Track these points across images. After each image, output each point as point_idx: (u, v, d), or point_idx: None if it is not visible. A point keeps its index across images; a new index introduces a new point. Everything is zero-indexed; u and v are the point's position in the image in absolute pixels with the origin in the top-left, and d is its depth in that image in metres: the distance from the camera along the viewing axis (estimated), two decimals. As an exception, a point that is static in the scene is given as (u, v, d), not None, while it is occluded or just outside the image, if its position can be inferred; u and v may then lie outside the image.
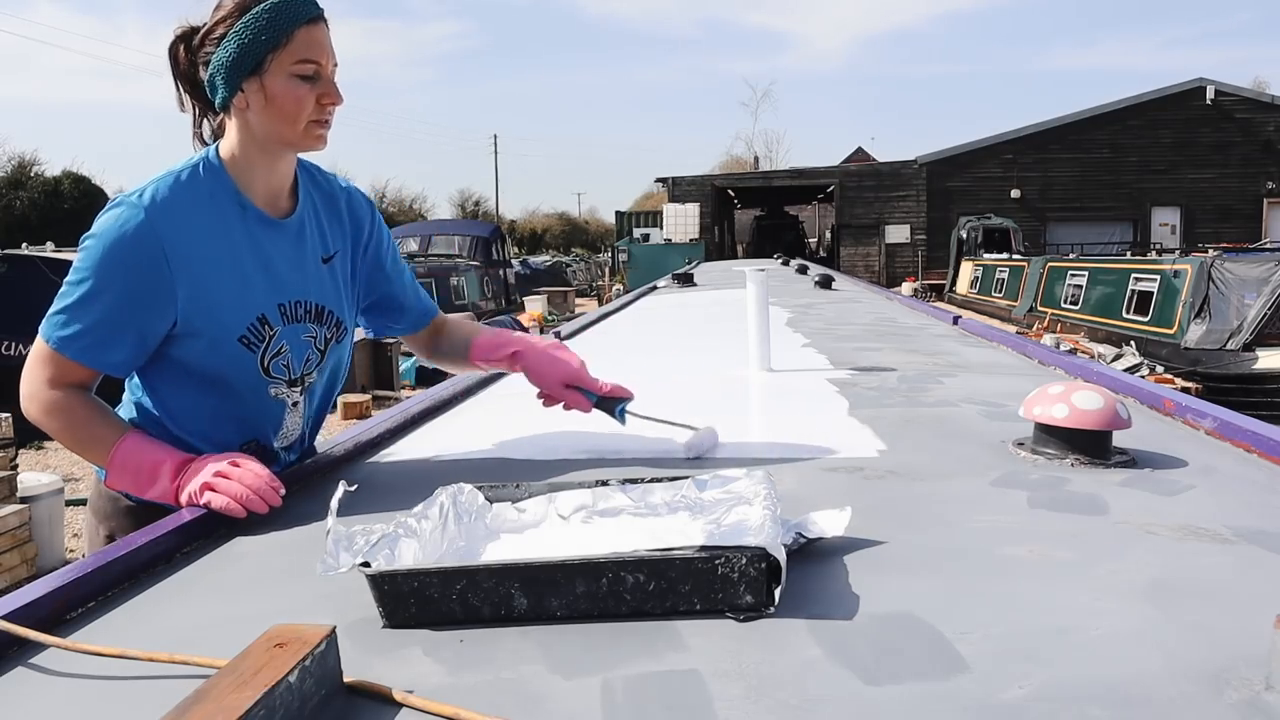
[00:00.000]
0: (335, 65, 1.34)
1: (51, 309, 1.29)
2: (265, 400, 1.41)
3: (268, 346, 1.38)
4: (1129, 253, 19.87)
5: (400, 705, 0.68)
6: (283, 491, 1.21)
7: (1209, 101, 26.10)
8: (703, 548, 0.81)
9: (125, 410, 1.44)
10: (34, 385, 1.31)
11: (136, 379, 1.41)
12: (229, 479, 1.18)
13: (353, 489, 0.97)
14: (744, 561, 0.80)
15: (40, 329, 1.29)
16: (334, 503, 0.90)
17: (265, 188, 1.39)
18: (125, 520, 1.43)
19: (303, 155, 1.45)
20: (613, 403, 1.45)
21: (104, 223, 1.28)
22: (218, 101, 1.33)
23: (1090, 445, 1.30)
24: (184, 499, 1.21)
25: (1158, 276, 10.63)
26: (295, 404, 1.46)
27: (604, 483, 1.09)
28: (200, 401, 1.38)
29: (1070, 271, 13.85)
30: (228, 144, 1.37)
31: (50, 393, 1.30)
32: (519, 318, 15.95)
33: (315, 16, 1.31)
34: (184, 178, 1.33)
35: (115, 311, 1.27)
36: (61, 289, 1.29)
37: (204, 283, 1.32)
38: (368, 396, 8.77)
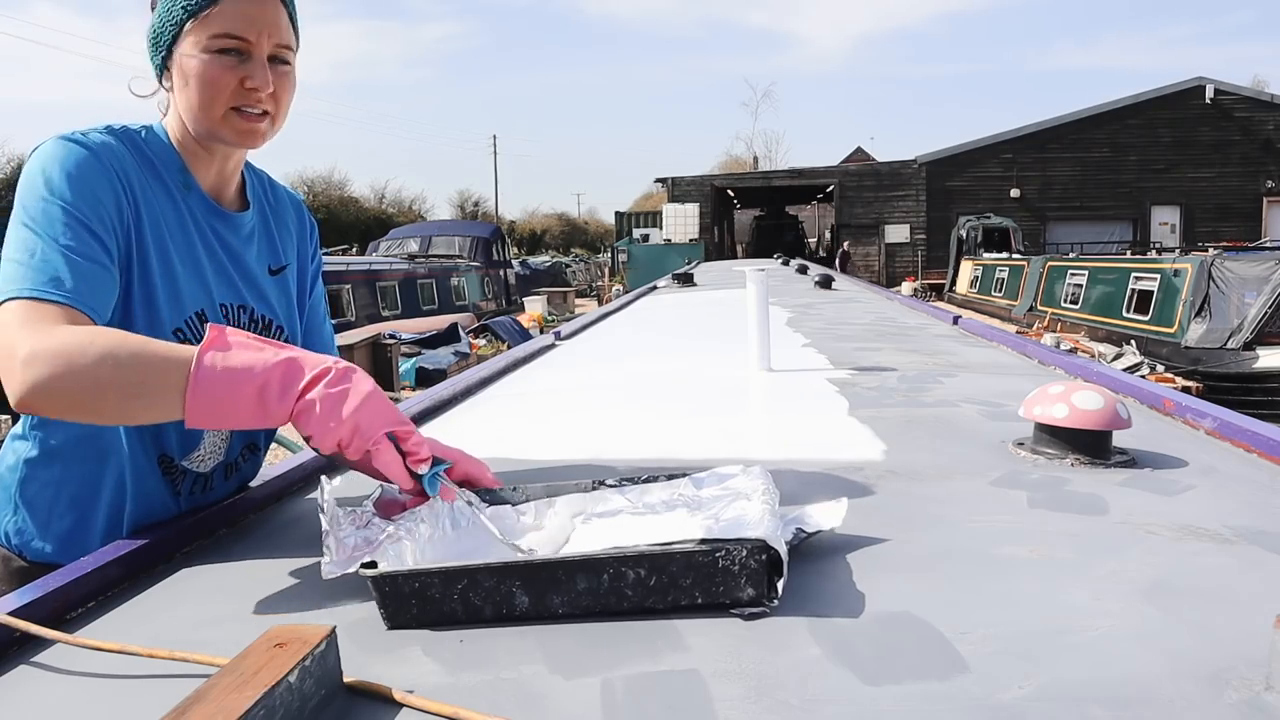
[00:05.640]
0: (283, 47, 1.13)
1: (12, 258, 0.99)
2: None
3: None
4: (1129, 252, 19.87)
5: (400, 705, 0.68)
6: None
7: (1208, 100, 26.12)
8: (703, 541, 0.81)
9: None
10: (30, 344, 0.92)
11: None
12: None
13: (335, 483, 0.95)
14: (745, 554, 0.80)
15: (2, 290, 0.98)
16: (322, 502, 0.89)
17: (209, 181, 1.22)
18: (14, 585, 1.09)
19: (248, 158, 1.27)
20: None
21: (48, 153, 1.05)
22: (154, 71, 1.17)
23: (1090, 445, 1.30)
24: (360, 447, 0.91)
25: (1158, 275, 10.63)
26: None
27: (601, 483, 1.09)
28: None
29: (1070, 271, 13.84)
30: (170, 122, 1.19)
31: (61, 333, 0.93)
32: (519, 318, 15.96)
33: None
34: (118, 130, 1.14)
35: (92, 237, 1.03)
36: (14, 236, 1.01)
37: (151, 251, 1.11)
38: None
